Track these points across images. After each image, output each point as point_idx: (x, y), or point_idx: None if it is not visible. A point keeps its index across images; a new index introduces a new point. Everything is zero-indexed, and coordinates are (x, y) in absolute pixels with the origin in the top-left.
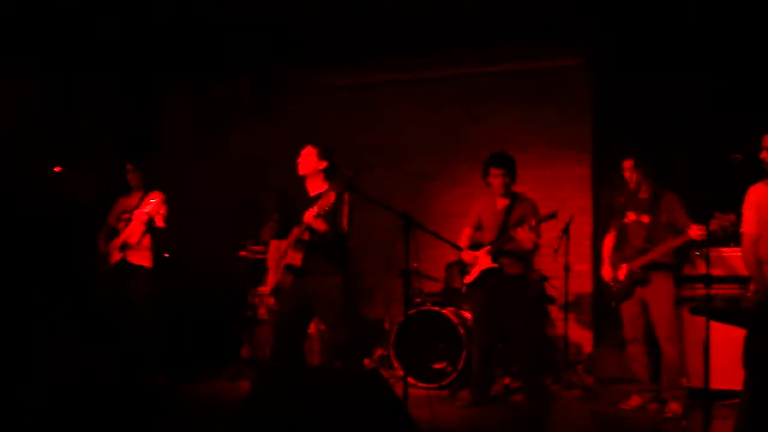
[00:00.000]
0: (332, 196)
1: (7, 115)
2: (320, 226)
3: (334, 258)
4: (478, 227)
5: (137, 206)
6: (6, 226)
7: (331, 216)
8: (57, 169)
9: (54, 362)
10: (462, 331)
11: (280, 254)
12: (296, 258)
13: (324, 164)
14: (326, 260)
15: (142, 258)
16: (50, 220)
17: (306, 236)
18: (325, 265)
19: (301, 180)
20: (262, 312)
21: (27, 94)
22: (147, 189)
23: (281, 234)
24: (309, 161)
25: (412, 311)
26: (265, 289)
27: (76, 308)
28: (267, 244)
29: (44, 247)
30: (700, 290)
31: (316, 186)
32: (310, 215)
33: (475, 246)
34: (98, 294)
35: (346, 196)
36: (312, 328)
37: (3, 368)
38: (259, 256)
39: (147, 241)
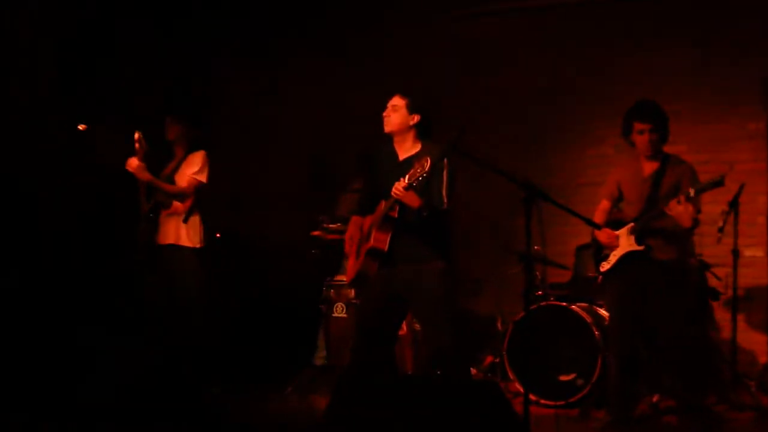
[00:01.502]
0: (428, 162)
1: (24, 50)
2: (413, 200)
3: (431, 240)
4: (619, 199)
5: (176, 169)
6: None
7: (427, 187)
8: (82, 127)
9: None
10: (597, 333)
11: (363, 235)
12: (383, 240)
13: (416, 119)
14: (421, 243)
15: (189, 237)
16: (77, 190)
17: (395, 213)
18: (420, 250)
19: (388, 140)
20: (340, 308)
21: (47, 31)
22: (192, 148)
23: (363, 209)
24: (397, 115)
25: (533, 307)
26: (343, 278)
27: (117, 301)
28: (345, 221)
29: (74, 226)
30: None
31: (406, 148)
32: (399, 186)
33: (615, 224)
34: (142, 284)
35: (447, 161)
36: (403, 329)
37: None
38: (335, 236)
39: (196, 216)
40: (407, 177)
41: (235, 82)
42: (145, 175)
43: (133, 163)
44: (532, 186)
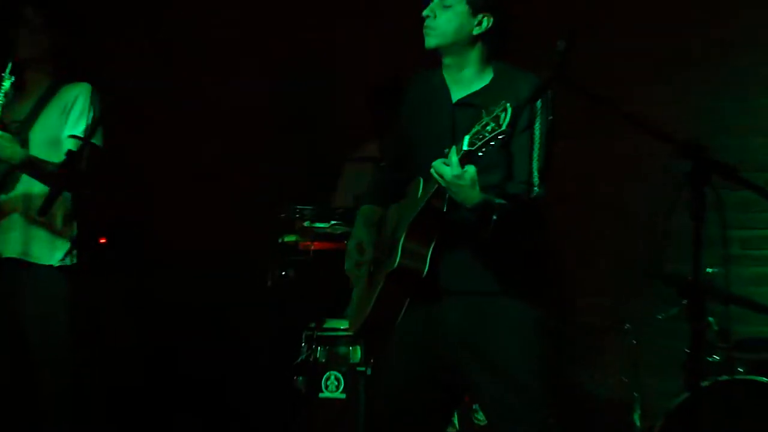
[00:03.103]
0: (507, 111)
1: None
2: (471, 192)
3: (508, 257)
4: None
5: (33, 118)
6: None
7: (502, 158)
8: None
9: None
10: None
11: (381, 244)
12: (418, 255)
13: (487, 24)
14: (489, 262)
15: (48, 247)
16: None
17: (441, 203)
18: (486, 273)
19: (432, 64)
20: (334, 382)
21: None
22: (63, 78)
23: (381, 195)
24: (450, 17)
25: (705, 384)
26: (342, 323)
27: None
28: (346, 218)
29: None
30: None
31: (466, 79)
32: (449, 161)
33: None
34: None
35: (543, 107)
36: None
37: None
38: (325, 245)
39: (62, 210)
40: (466, 140)
41: None
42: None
43: None
44: (707, 154)
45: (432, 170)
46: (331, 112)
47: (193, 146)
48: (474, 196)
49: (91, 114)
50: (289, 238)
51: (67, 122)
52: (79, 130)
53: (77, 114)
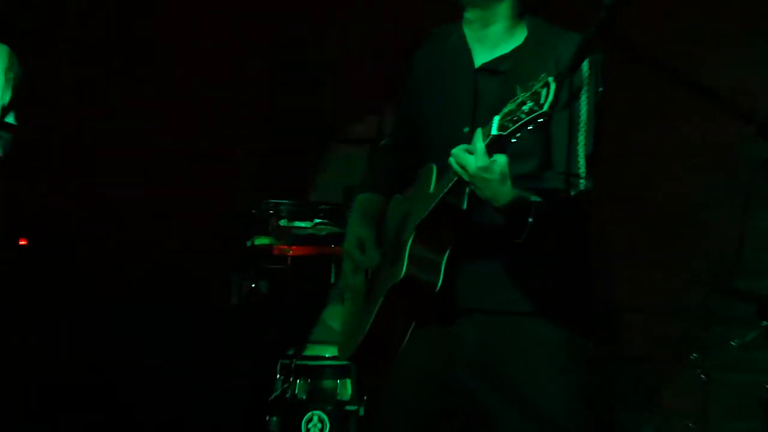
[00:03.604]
0: (549, 86)
1: None
2: (501, 188)
3: (544, 268)
4: None
5: None
6: None
7: (538, 144)
8: None
9: None
10: None
11: (383, 249)
12: (431, 264)
13: None
14: (521, 274)
15: None
16: None
17: (460, 199)
18: (515, 288)
19: (451, 21)
20: (317, 424)
21: None
22: None
23: (384, 184)
24: None
25: None
26: (330, 349)
27: None
28: (336, 214)
29: None
30: None
31: (494, 37)
32: (472, 150)
33: None
34: None
35: (591, 76)
36: None
37: None
38: (306, 250)
39: None
40: (495, 122)
41: None
42: None
43: None
44: None
45: (451, 159)
46: (311, 83)
47: (143, 128)
48: (504, 192)
49: (11, 85)
50: (261, 241)
51: None
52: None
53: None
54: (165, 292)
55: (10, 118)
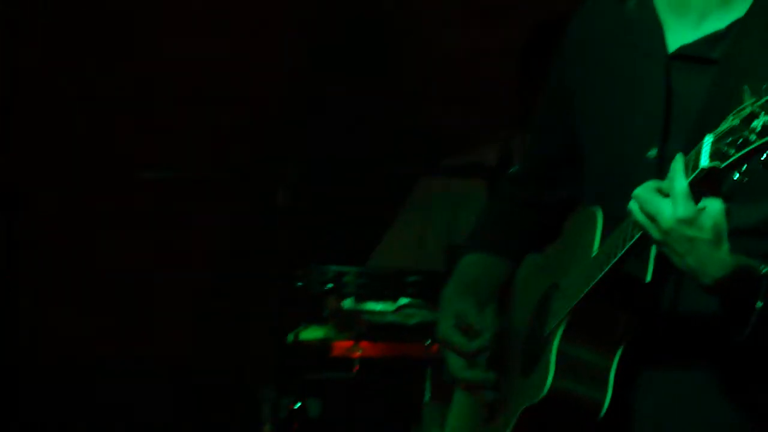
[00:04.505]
0: None
1: None
2: (714, 257)
3: None
4: None
5: None
6: None
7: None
8: None
9: None
10: None
11: (500, 340)
12: (593, 369)
13: None
14: (752, 386)
15: None
16: None
17: (644, 269)
18: (747, 411)
19: None
20: None
21: None
22: None
23: (498, 232)
24: None
25: None
26: None
27: None
28: (428, 293)
29: None
30: None
31: (695, 4)
32: (682, 169)
33: None
34: None
35: None
36: None
37: None
38: (382, 352)
39: None
40: (708, 144)
41: None
42: None
43: None
44: None
45: (632, 204)
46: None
47: (129, 140)
48: (718, 259)
49: None
50: (312, 335)
51: None
52: None
53: None
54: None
55: None
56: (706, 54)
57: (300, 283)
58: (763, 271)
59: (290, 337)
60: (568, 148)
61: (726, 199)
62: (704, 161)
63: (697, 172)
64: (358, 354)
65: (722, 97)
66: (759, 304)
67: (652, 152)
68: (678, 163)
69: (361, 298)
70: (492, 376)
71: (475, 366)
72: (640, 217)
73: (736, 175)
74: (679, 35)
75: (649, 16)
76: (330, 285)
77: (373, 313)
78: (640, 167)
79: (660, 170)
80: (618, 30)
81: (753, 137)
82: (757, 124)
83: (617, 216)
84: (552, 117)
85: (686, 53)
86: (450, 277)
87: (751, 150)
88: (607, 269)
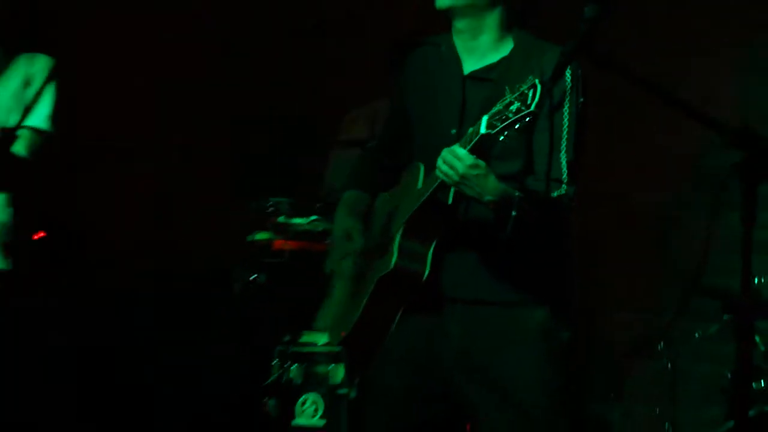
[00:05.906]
0: (535, 87)
1: None
2: (488, 186)
3: (527, 262)
4: None
5: None
6: None
7: (522, 147)
8: None
9: None
10: None
11: (369, 243)
12: (418, 256)
13: None
14: (505, 267)
15: None
16: None
17: (446, 196)
18: (501, 280)
19: (440, 26)
20: (312, 407)
21: None
22: (19, 46)
23: (371, 182)
24: None
25: (751, 414)
26: (321, 336)
27: None
28: (326, 211)
29: None
30: None
31: (482, 47)
32: (458, 153)
33: None
34: None
35: (575, 82)
36: None
37: None
38: (300, 244)
39: None
40: (484, 121)
41: None
42: None
43: None
44: (764, 145)
45: (439, 160)
46: (318, 82)
47: (143, 122)
48: (490, 187)
49: (51, 94)
50: (261, 236)
51: (22, 106)
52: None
53: (34, 96)
54: (174, 283)
55: (44, 123)
56: (486, 76)
57: (253, 208)
58: (516, 194)
59: (249, 238)
60: (404, 129)
61: (496, 158)
62: (483, 130)
63: (478, 137)
64: (288, 248)
65: (494, 98)
66: (513, 213)
67: (453, 131)
68: (468, 134)
69: (289, 215)
70: (360, 261)
71: (347, 258)
72: (444, 167)
73: (502, 137)
74: (469, 65)
75: (453, 54)
76: (272, 208)
77: (296, 224)
78: (446, 139)
79: (458, 141)
80: (435, 62)
81: (510, 115)
82: (513, 108)
83: (432, 167)
84: (396, 111)
85: (475, 75)
86: (339, 203)
87: (509, 123)
88: (425, 197)
